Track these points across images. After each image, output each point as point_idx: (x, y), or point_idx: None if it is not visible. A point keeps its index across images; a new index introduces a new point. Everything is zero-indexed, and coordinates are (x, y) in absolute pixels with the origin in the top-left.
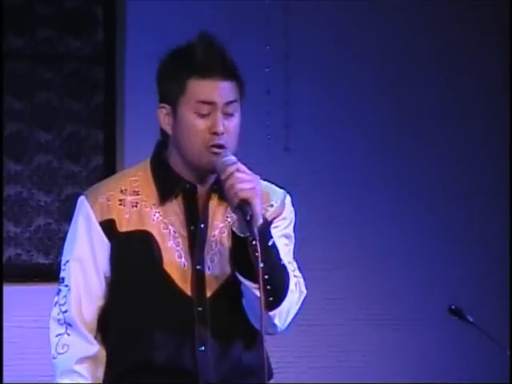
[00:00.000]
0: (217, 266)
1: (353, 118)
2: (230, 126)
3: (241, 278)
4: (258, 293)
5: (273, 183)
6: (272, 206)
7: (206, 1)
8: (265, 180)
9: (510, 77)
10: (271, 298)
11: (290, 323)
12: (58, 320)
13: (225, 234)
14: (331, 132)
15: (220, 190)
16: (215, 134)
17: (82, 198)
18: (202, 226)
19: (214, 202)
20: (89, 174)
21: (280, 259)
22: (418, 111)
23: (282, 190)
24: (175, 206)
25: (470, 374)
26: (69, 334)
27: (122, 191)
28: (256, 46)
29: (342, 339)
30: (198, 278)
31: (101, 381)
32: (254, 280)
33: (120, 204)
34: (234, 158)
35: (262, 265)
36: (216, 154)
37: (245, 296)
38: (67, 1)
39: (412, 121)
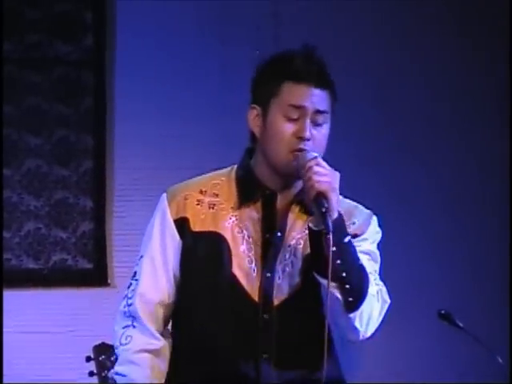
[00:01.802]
0: (287, 276)
1: (347, 122)
2: (317, 135)
3: (318, 277)
4: (336, 293)
5: (361, 203)
6: (354, 223)
7: (196, 5)
8: (353, 200)
9: (511, 78)
10: (350, 299)
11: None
12: (124, 313)
13: (301, 246)
14: (330, 136)
15: (302, 200)
16: (301, 138)
17: (163, 196)
18: (279, 234)
19: (294, 213)
20: (78, 178)
21: (358, 259)
22: (416, 114)
23: (368, 211)
24: (253, 212)
25: (460, 377)
26: (134, 326)
27: (201, 192)
28: (246, 50)
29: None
30: (267, 286)
31: (164, 373)
32: (331, 279)
33: (197, 204)
34: (315, 154)
35: (333, 248)
36: (298, 156)
37: (325, 301)
38: (57, 5)
39: (411, 123)
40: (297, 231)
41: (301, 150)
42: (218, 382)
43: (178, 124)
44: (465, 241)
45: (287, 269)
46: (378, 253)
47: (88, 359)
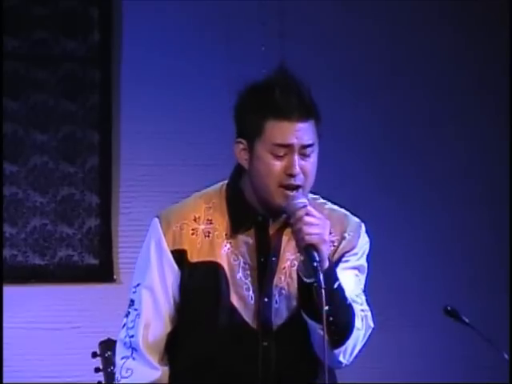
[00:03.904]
0: (284, 299)
1: (351, 119)
2: (306, 167)
3: (306, 317)
4: (322, 333)
5: (347, 209)
6: (345, 238)
7: (201, 2)
8: (340, 206)
9: (510, 78)
10: (336, 337)
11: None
12: (125, 343)
13: (294, 267)
14: (327, 136)
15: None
16: (290, 175)
17: (155, 221)
18: (274, 258)
19: (286, 236)
20: (84, 174)
21: (346, 299)
22: (417, 115)
23: (357, 220)
24: (247, 238)
25: (466, 375)
26: (134, 359)
27: (195, 219)
28: (252, 47)
29: None
30: (266, 312)
31: None
32: (319, 321)
33: (192, 234)
34: (304, 201)
35: (326, 308)
36: (288, 195)
37: (310, 332)
38: (63, 2)
39: (413, 124)
40: (290, 252)
41: (291, 187)
42: None
43: (183, 121)
44: (467, 238)
45: (283, 291)
46: (366, 265)
47: (94, 355)
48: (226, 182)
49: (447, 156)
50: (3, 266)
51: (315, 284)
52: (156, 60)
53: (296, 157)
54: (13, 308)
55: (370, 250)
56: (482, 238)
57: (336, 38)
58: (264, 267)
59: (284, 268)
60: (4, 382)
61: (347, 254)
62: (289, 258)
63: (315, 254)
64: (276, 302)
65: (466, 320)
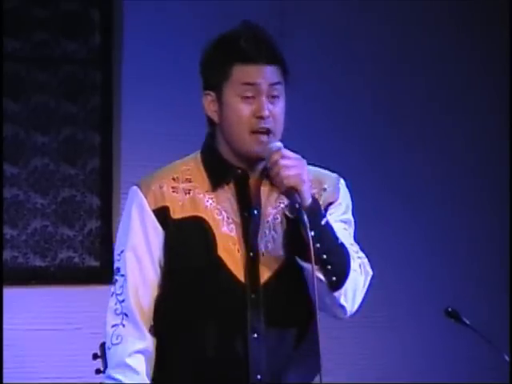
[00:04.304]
0: (271, 252)
1: (349, 122)
2: (275, 110)
3: (299, 260)
4: (319, 274)
5: (326, 168)
6: (325, 190)
7: (202, 3)
8: (315, 165)
9: (510, 78)
10: (334, 278)
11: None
12: (115, 310)
13: (278, 220)
14: (328, 136)
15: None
16: (260, 118)
17: (134, 188)
18: (256, 212)
19: (265, 189)
20: (85, 176)
21: (337, 238)
22: (419, 114)
23: (334, 174)
24: (227, 193)
25: (467, 376)
26: (124, 325)
27: (174, 179)
28: None
29: (335, 342)
30: (252, 265)
31: (150, 373)
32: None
33: (173, 191)
34: (279, 144)
35: (312, 233)
36: (261, 141)
37: (309, 283)
38: (64, 3)
39: (415, 124)
40: (272, 206)
41: (262, 131)
42: (208, 364)
43: (184, 122)
44: (473, 238)
45: (269, 245)
46: (352, 219)
47: (95, 357)
48: (199, 150)
49: (453, 155)
50: (4, 267)
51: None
52: (157, 61)
53: (264, 99)
54: (14, 309)
55: (367, 248)
56: (488, 237)
57: (337, 38)
58: (248, 221)
59: (267, 222)
60: (4, 382)
61: (331, 207)
62: (271, 212)
63: (296, 196)
64: (263, 255)
65: (467, 321)
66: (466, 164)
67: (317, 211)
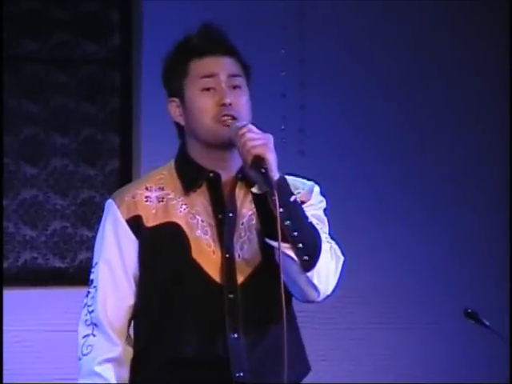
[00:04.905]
0: (247, 253)
1: (367, 123)
2: (237, 100)
3: (270, 241)
4: (291, 254)
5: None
6: (299, 192)
7: (222, 4)
8: (294, 176)
9: (510, 79)
10: (305, 257)
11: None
12: (85, 321)
13: (253, 222)
14: (346, 136)
15: (245, 176)
16: (223, 105)
17: (109, 201)
18: (231, 214)
19: (241, 191)
20: (105, 177)
21: (306, 217)
22: (429, 117)
23: (311, 182)
24: (201, 197)
25: (483, 376)
26: (94, 335)
27: (147, 188)
28: (272, 50)
29: (356, 343)
30: (229, 266)
31: (127, 381)
32: (283, 240)
33: (146, 200)
34: (244, 122)
35: (281, 210)
36: (227, 124)
37: (281, 266)
38: (83, 5)
39: (425, 125)
40: (247, 208)
41: (227, 116)
42: (189, 365)
43: None
44: (491, 238)
45: (245, 246)
46: (325, 219)
47: None
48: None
49: (470, 155)
50: (23, 269)
51: (268, 193)
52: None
53: (225, 88)
54: (33, 310)
55: (383, 249)
56: (494, 238)
57: (356, 39)
58: (223, 224)
59: (243, 223)
60: (21, 382)
61: (303, 205)
62: (246, 213)
63: (262, 162)
64: (239, 256)
65: (487, 323)
66: (485, 164)
67: (285, 187)
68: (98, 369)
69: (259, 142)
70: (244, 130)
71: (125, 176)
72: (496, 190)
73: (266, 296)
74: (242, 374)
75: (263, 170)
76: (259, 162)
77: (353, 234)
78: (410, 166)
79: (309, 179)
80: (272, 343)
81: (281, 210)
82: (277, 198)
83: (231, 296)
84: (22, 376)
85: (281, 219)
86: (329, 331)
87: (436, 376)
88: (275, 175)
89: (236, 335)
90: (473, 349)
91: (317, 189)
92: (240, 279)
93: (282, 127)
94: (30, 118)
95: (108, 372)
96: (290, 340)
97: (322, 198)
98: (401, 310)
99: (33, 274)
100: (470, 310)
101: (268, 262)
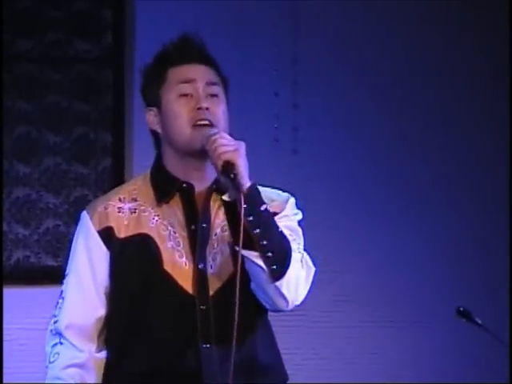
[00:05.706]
0: (219, 264)
1: (360, 122)
2: (214, 106)
3: (242, 250)
4: (260, 262)
5: (279, 189)
6: (274, 201)
7: (215, 3)
8: (272, 187)
9: (510, 80)
10: (274, 266)
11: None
12: (51, 330)
13: (226, 233)
14: (339, 135)
15: (220, 188)
16: (199, 109)
17: (83, 213)
18: (204, 225)
19: (215, 202)
20: (97, 176)
21: (277, 226)
22: (421, 117)
23: (285, 194)
24: (174, 208)
25: (478, 376)
26: (61, 343)
27: (120, 200)
28: (264, 49)
29: (350, 341)
30: (200, 277)
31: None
32: (253, 248)
33: (119, 212)
34: (216, 130)
35: (250, 218)
36: (203, 133)
37: (250, 274)
38: (76, 4)
39: (417, 126)
40: (220, 219)
41: (202, 121)
42: (161, 375)
43: None
44: (480, 238)
45: (218, 257)
46: (300, 230)
47: None
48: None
49: (459, 156)
50: (16, 267)
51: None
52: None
53: (202, 93)
54: (26, 309)
55: (377, 248)
56: (497, 237)
57: (348, 39)
58: (195, 235)
59: (216, 234)
60: (20, 382)
61: (276, 217)
62: (219, 224)
63: (232, 169)
64: (211, 267)
65: (479, 321)
66: (472, 164)
67: (255, 196)
68: (60, 373)
69: (230, 147)
70: (216, 136)
71: (117, 174)
72: (484, 190)
73: (239, 307)
74: None
75: (232, 176)
76: (229, 167)
77: (346, 232)
78: (403, 166)
79: (285, 191)
80: (244, 354)
81: (250, 218)
82: (243, 200)
83: (203, 307)
84: (18, 375)
85: (250, 227)
86: (321, 330)
87: (427, 375)
88: (246, 182)
89: (208, 346)
90: (464, 348)
91: (292, 200)
92: (212, 290)
93: (275, 126)
94: (22, 117)
95: (70, 375)
96: (264, 348)
97: (297, 210)
98: (392, 309)
99: (25, 272)
100: (462, 309)
101: (240, 273)
